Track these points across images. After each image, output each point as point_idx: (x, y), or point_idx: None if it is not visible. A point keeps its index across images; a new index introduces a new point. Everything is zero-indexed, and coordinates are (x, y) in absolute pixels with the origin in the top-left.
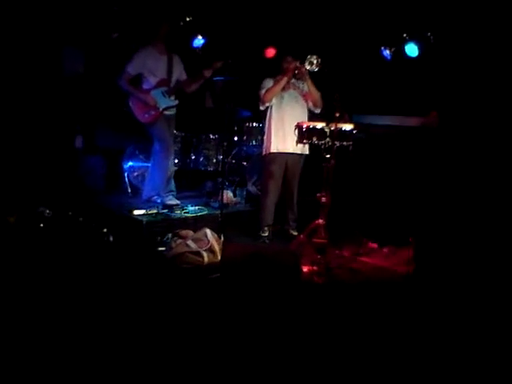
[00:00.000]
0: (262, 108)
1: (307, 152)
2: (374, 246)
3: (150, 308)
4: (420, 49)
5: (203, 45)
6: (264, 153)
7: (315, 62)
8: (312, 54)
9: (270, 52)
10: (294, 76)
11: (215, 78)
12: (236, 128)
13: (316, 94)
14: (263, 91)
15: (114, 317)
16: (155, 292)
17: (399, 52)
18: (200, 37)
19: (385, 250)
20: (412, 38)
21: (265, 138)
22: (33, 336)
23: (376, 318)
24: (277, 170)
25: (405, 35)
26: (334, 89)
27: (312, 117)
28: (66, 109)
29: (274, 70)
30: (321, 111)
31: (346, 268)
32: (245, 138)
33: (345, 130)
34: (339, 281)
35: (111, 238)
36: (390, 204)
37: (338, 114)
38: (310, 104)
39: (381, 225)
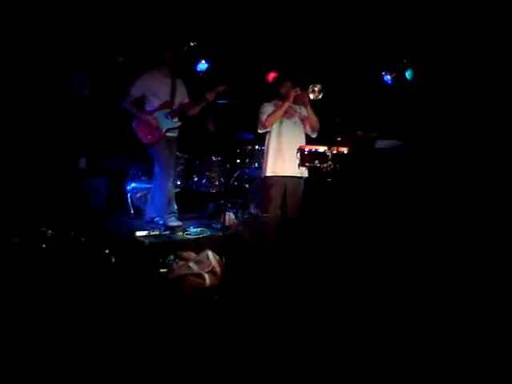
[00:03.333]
0: (260, 131)
1: (306, 175)
2: None
3: (152, 331)
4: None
5: (207, 69)
6: (262, 176)
7: (317, 89)
8: (315, 83)
9: (272, 76)
10: (295, 101)
11: (218, 101)
12: (238, 150)
13: (314, 119)
14: (264, 116)
15: (115, 338)
16: (157, 314)
17: (400, 77)
18: (203, 61)
19: None
20: (412, 64)
21: (263, 161)
22: (33, 356)
23: None
24: (275, 193)
25: (405, 61)
26: (336, 113)
27: (310, 141)
28: (70, 130)
29: (274, 94)
30: (319, 135)
31: None
32: (247, 160)
33: (346, 154)
34: None
35: (113, 259)
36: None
37: (339, 138)
38: (308, 128)
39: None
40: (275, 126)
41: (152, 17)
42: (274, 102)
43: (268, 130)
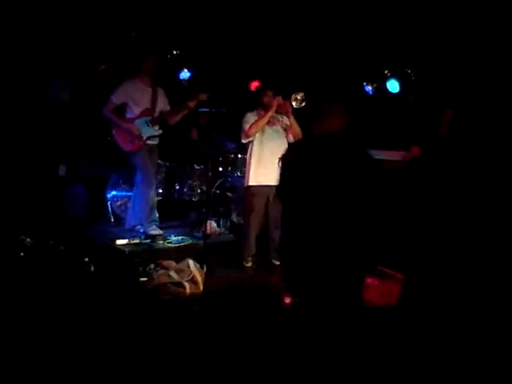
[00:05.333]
0: (244, 141)
1: None
2: None
3: (130, 340)
4: (401, 85)
5: (189, 77)
6: (245, 185)
7: (300, 98)
8: (298, 92)
9: (255, 85)
10: (277, 110)
11: (200, 109)
12: (221, 159)
13: (297, 128)
14: (247, 125)
15: (93, 348)
16: (135, 323)
17: (381, 88)
18: (186, 70)
19: (368, 280)
20: (393, 75)
21: (246, 170)
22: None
23: (352, 349)
24: (257, 202)
25: (386, 72)
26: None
27: None
28: (50, 137)
29: (256, 103)
30: None
31: None
32: (229, 168)
33: None
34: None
35: (92, 268)
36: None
37: None
38: (290, 137)
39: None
40: (258, 135)
41: (134, 25)
42: (257, 111)
43: (251, 139)
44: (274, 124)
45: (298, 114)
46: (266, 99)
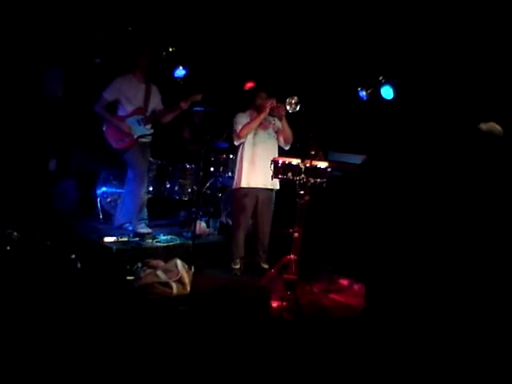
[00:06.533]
0: (236, 143)
1: (278, 187)
2: (345, 282)
3: (114, 339)
4: (395, 91)
5: (184, 75)
6: (234, 187)
7: (294, 102)
8: (292, 96)
9: (249, 86)
10: (270, 113)
11: (194, 109)
12: (213, 159)
13: (289, 132)
14: (239, 127)
15: (77, 346)
16: (120, 323)
17: (375, 93)
18: (181, 67)
19: (355, 287)
20: (388, 81)
21: (236, 172)
22: None
23: (340, 356)
24: (247, 204)
25: (381, 78)
26: (310, 127)
27: (282, 153)
28: (42, 131)
29: (248, 104)
30: (296, 148)
31: (316, 305)
32: (221, 169)
33: (319, 168)
34: (307, 318)
35: (79, 265)
36: (363, 241)
37: (313, 152)
38: (281, 140)
39: (353, 261)
40: (249, 136)
41: (132, 20)
42: (249, 112)
43: (243, 140)
44: (267, 127)
45: (290, 117)
46: (259, 101)
